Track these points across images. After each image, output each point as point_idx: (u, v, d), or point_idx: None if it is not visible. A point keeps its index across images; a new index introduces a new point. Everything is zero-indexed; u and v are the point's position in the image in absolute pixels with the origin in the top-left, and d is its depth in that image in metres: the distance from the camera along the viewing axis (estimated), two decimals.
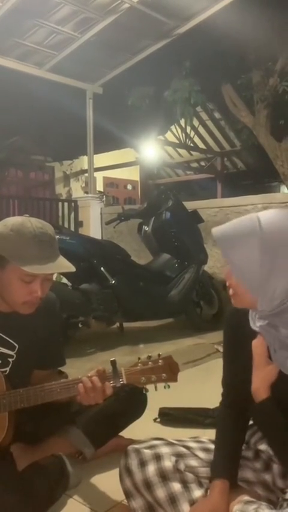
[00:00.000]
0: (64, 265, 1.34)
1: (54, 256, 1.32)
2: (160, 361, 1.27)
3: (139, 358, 1.28)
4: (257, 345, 1.11)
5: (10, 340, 1.41)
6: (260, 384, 1.10)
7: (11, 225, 1.30)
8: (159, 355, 1.29)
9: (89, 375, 1.29)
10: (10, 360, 1.41)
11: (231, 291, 1.08)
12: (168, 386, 1.26)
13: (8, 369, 1.40)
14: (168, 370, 1.26)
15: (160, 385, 1.26)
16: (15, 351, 1.41)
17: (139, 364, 1.27)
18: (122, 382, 1.26)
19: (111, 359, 1.28)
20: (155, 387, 1.27)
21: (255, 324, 1.13)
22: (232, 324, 1.26)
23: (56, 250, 1.34)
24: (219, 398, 1.31)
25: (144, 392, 1.29)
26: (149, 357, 1.28)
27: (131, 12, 4.97)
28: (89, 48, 5.44)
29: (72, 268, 1.34)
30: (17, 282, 1.30)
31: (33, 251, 1.27)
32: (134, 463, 1.20)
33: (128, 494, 1.22)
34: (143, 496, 1.18)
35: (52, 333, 1.55)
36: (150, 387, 1.27)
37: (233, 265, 1.01)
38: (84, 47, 5.42)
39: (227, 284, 1.09)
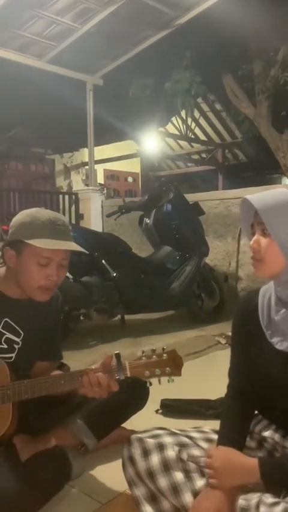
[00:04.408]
0: (77, 246, 1.40)
1: (68, 240, 1.39)
2: (164, 355, 1.26)
3: (143, 352, 1.28)
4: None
5: (16, 327, 1.43)
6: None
7: (26, 213, 1.39)
8: (163, 348, 1.28)
9: (94, 367, 1.30)
10: (16, 346, 1.43)
11: (257, 257, 1.08)
12: (172, 380, 1.26)
13: (14, 355, 1.42)
14: (172, 364, 1.26)
15: (163, 379, 1.26)
16: (20, 338, 1.44)
17: (143, 358, 1.26)
18: (126, 375, 1.26)
19: (116, 352, 1.28)
20: (159, 381, 1.27)
21: (276, 315, 1.13)
22: (244, 312, 1.25)
23: (70, 237, 1.40)
24: (221, 390, 1.31)
25: (147, 386, 1.29)
26: (153, 350, 1.27)
27: (131, 2, 4.92)
28: (89, 39, 5.40)
29: (84, 251, 1.41)
30: (33, 265, 1.35)
31: (47, 230, 1.34)
32: (137, 452, 1.21)
33: (130, 483, 1.22)
34: (145, 484, 1.19)
35: (54, 326, 1.57)
36: (153, 381, 1.27)
37: (271, 226, 1.04)
38: (84, 38, 5.38)
39: (253, 250, 1.09)
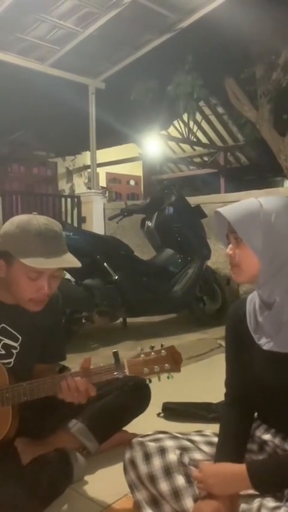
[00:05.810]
0: (70, 260, 1.34)
1: (60, 252, 1.33)
2: (163, 351, 1.25)
3: (141, 349, 1.27)
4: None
5: (14, 332, 1.43)
6: None
7: (16, 223, 1.33)
8: (162, 345, 1.27)
9: (74, 372, 1.29)
10: (14, 351, 1.42)
11: (233, 263, 1.15)
12: (172, 377, 1.25)
13: (12, 360, 1.41)
14: (171, 360, 1.24)
15: (163, 376, 1.25)
16: (18, 343, 1.43)
17: (142, 355, 1.25)
18: (125, 374, 1.25)
19: (114, 350, 1.27)
20: (158, 378, 1.25)
21: (260, 317, 1.14)
22: (234, 321, 1.26)
23: (63, 247, 1.35)
24: (223, 393, 1.31)
25: (147, 383, 1.28)
26: (152, 348, 1.26)
27: (133, 6, 4.95)
28: (91, 43, 5.43)
29: (77, 264, 1.35)
30: (23, 279, 1.32)
31: (38, 247, 1.29)
32: (138, 455, 1.21)
33: (132, 487, 1.22)
34: (147, 488, 1.18)
35: (54, 328, 1.56)
36: (153, 378, 1.26)
37: (243, 234, 1.11)
38: (87, 41, 5.41)
39: (229, 257, 1.15)
